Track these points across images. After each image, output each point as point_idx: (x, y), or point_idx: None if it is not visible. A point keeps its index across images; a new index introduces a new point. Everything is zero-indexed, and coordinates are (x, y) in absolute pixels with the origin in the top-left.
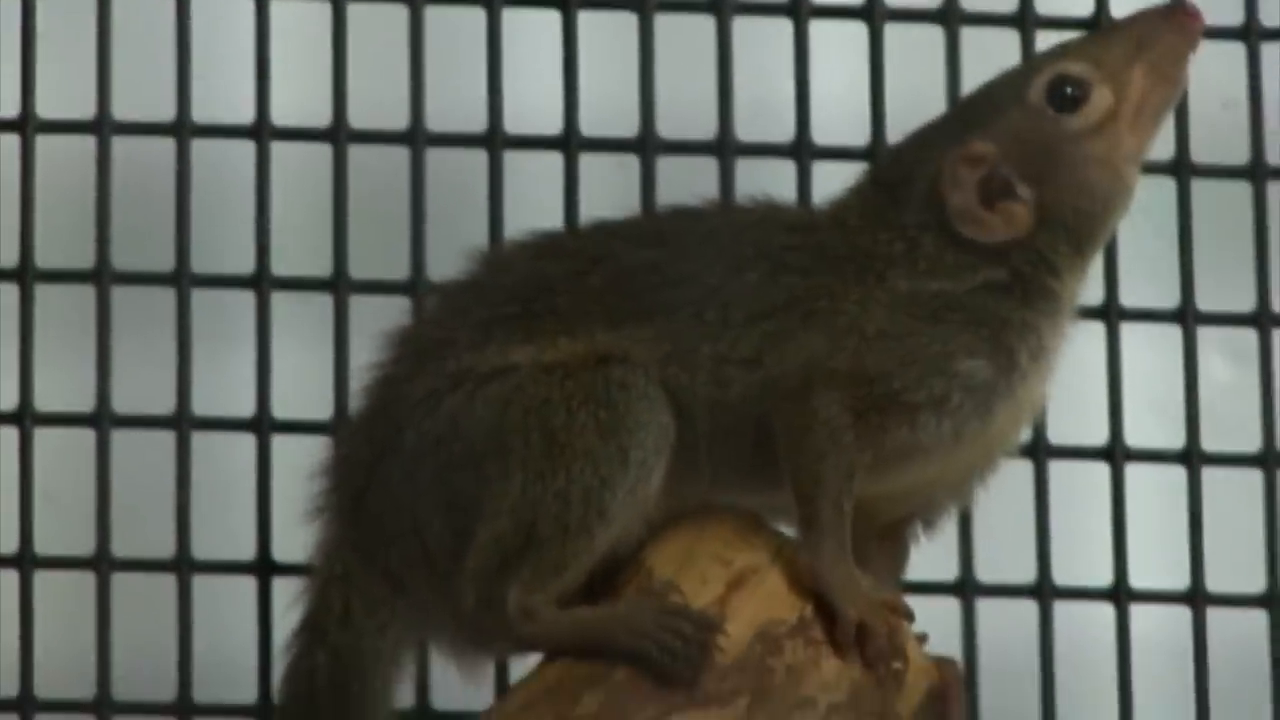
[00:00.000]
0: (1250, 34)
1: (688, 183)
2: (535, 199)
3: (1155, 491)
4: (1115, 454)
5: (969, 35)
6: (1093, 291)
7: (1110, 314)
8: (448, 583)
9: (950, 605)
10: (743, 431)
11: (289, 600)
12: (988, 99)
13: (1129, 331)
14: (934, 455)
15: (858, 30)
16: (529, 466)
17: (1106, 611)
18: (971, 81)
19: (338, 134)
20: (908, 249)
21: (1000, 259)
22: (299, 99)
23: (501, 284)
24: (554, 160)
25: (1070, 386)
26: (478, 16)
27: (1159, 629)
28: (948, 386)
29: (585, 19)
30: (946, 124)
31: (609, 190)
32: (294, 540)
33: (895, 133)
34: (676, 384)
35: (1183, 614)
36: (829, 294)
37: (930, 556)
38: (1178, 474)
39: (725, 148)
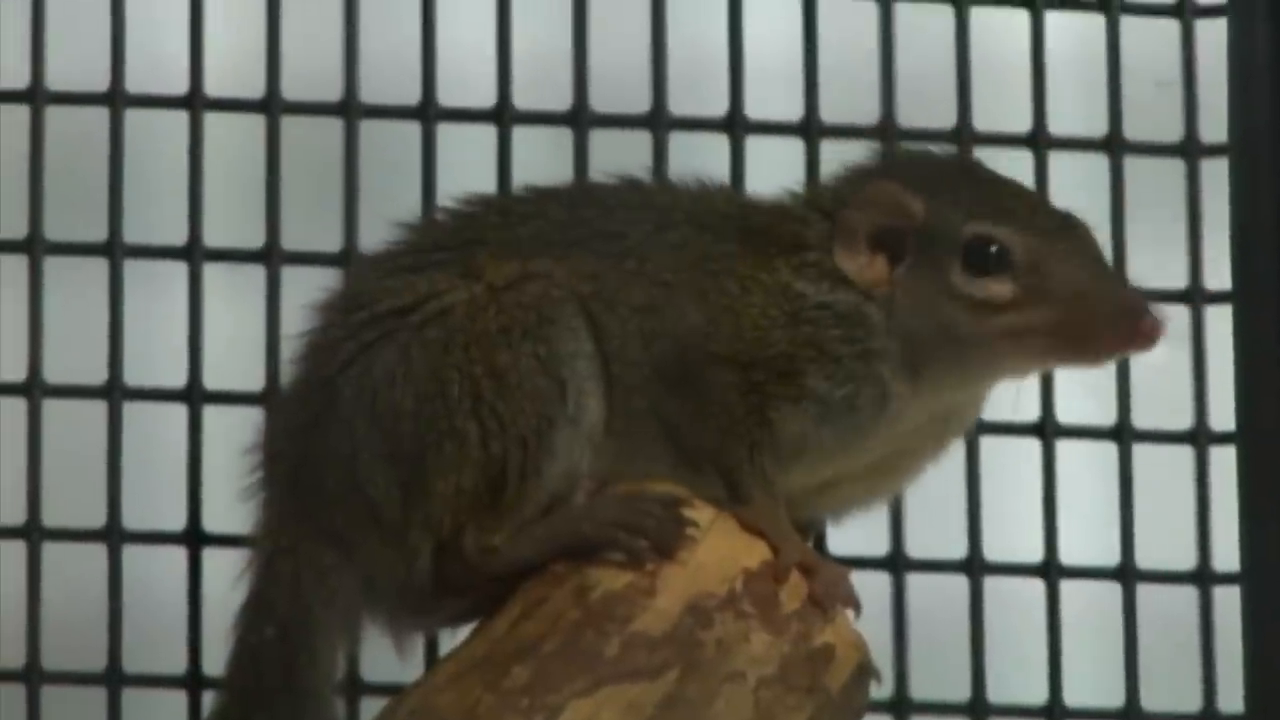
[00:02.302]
0: (1184, 12)
1: (621, 156)
2: (468, 171)
3: (1087, 468)
4: (1046, 430)
5: (904, 10)
6: None
7: None
8: (399, 537)
9: (881, 580)
10: (651, 397)
11: (229, 571)
12: (965, 181)
13: None
14: (825, 456)
15: (793, 4)
16: (479, 410)
17: (1037, 587)
18: (905, 55)
19: (271, 105)
20: (801, 243)
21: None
22: (233, 70)
23: (432, 236)
24: (487, 133)
25: None
26: None
27: (1089, 604)
28: (807, 390)
29: None
30: (919, 168)
31: (542, 163)
32: (225, 512)
33: (828, 108)
34: (599, 324)
35: (1113, 590)
36: (725, 260)
37: (862, 531)
38: (1109, 451)
39: (659, 121)
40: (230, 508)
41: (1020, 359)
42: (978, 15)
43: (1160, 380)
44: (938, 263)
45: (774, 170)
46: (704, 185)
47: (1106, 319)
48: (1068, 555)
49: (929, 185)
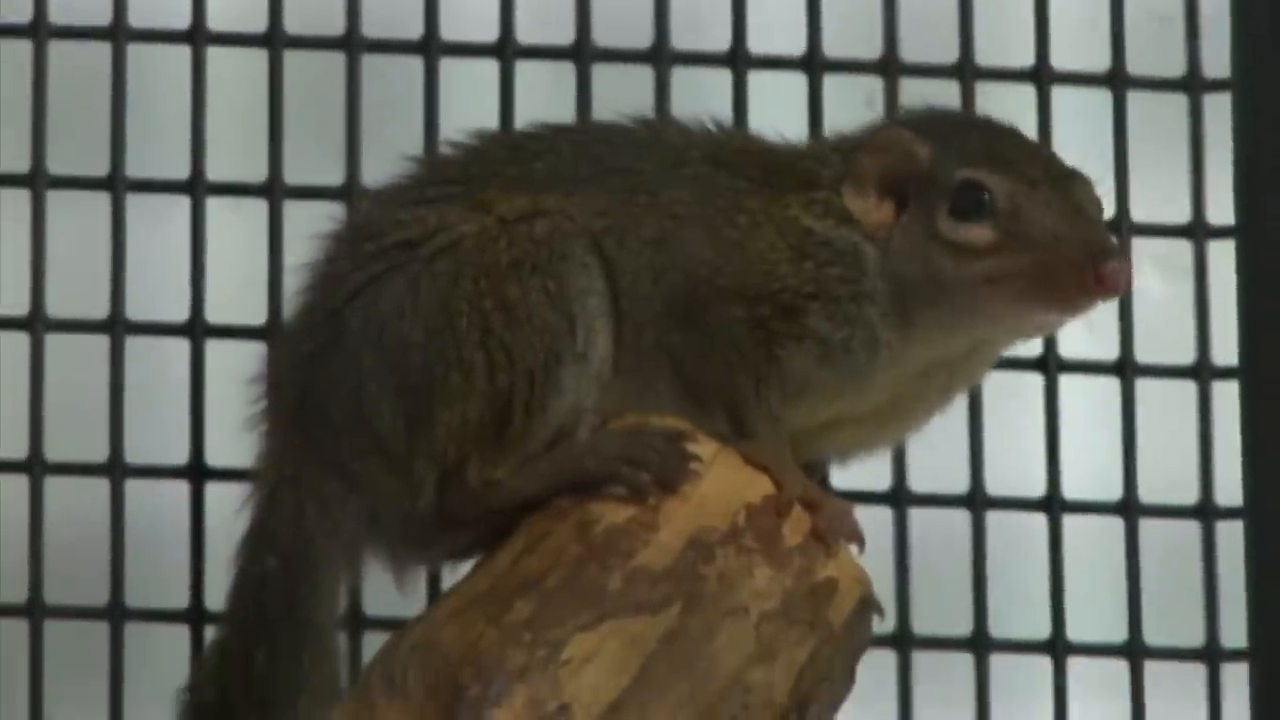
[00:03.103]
0: None
1: (623, 91)
2: (471, 106)
3: (1090, 403)
4: (1049, 365)
5: None
6: None
7: None
8: (404, 468)
9: (884, 515)
10: (659, 332)
11: (231, 506)
12: (972, 132)
13: None
14: (827, 397)
15: None
16: (488, 342)
17: (1039, 521)
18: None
19: (274, 39)
20: (814, 181)
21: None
22: (235, 5)
23: (441, 171)
24: (490, 67)
25: None
26: None
27: (1092, 539)
28: (809, 329)
29: None
30: (936, 121)
31: (544, 98)
32: (227, 447)
33: (831, 43)
34: (610, 260)
35: (1116, 524)
36: (737, 195)
37: (864, 466)
38: (1112, 386)
39: (661, 56)
40: (233, 442)
41: (999, 306)
42: None
43: (1163, 316)
44: (930, 208)
45: (776, 107)
46: (721, 127)
47: (1072, 263)
48: (1070, 490)
49: (938, 134)
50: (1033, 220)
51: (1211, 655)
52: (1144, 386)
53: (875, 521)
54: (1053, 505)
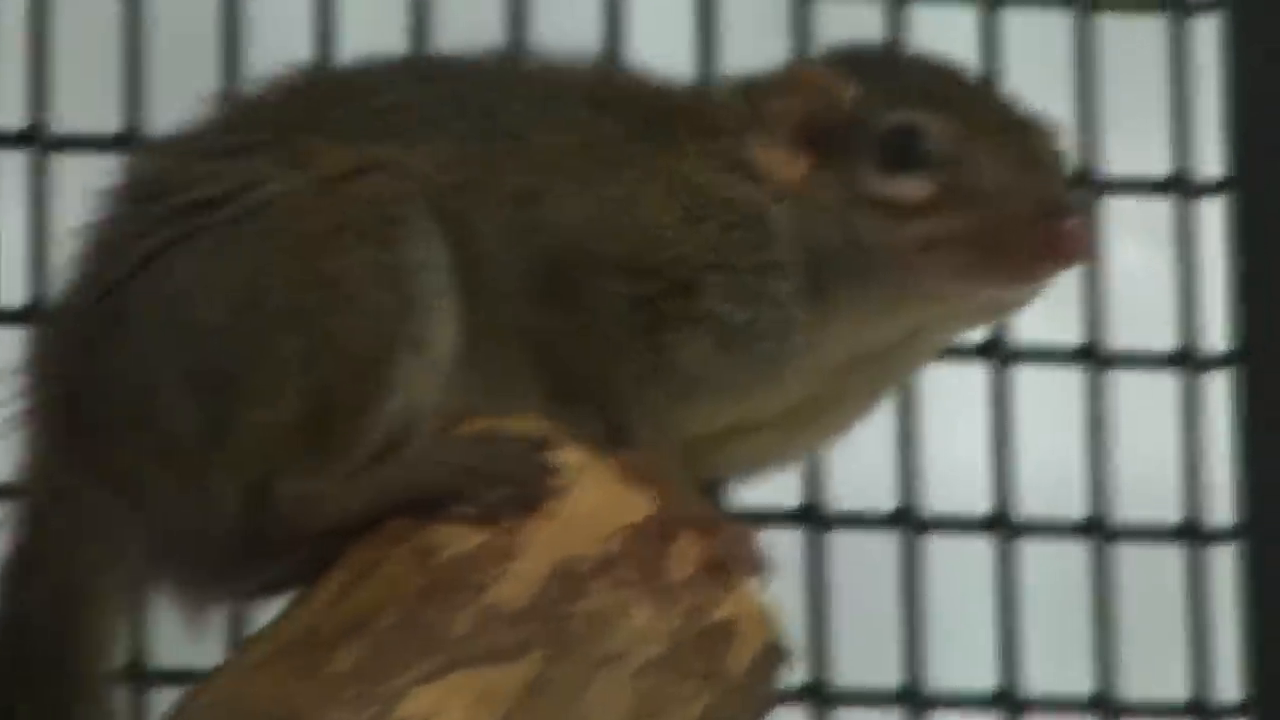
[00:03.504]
0: None
1: (473, 13)
2: (282, 36)
3: (1049, 399)
4: (999, 352)
5: None
6: None
7: None
8: (200, 481)
9: (796, 538)
10: (521, 312)
11: None
12: (907, 69)
13: None
14: (728, 395)
15: None
16: (302, 324)
17: (987, 546)
18: None
19: None
20: (715, 128)
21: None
22: None
23: (248, 116)
24: None
25: None
26: None
27: (1053, 567)
28: (705, 310)
29: None
30: (861, 57)
31: (372, 25)
32: None
33: None
34: (461, 223)
35: (1081, 549)
36: (623, 144)
37: (772, 479)
38: (1076, 377)
39: None
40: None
41: (937, 279)
42: None
43: (1140, 291)
44: (855, 160)
45: (664, 38)
46: (603, 64)
47: (1020, 221)
48: (1026, 507)
49: (865, 72)
50: (978, 172)
51: (1201, 711)
52: (1117, 378)
53: (785, 547)
54: (1003, 526)
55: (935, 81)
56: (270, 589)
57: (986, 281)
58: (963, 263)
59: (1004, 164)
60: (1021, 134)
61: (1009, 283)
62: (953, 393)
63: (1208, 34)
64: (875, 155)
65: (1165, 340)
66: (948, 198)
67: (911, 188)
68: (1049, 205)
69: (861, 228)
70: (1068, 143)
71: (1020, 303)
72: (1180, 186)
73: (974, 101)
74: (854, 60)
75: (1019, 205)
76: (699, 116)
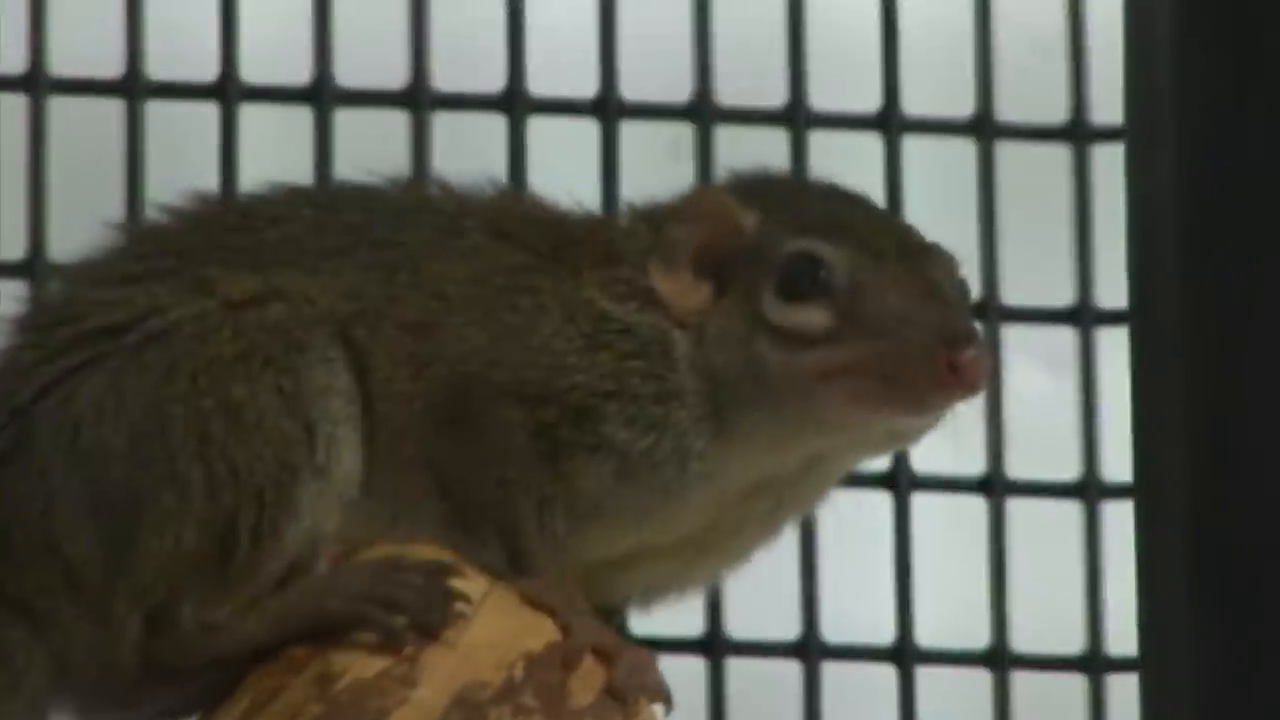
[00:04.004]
0: None
1: (372, 143)
2: (187, 160)
3: (950, 528)
4: (899, 480)
5: None
6: None
7: None
8: (102, 608)
9: (697, 666)
10: (421, 440)
11: None
12: (810, 198)
13: None
14: (627, 522)
15: None
16: (206, 451)
17: (889, 674)
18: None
19: None
20: (615, 256)
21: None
22: None
23: (152, 242)
24: (208, 112)
25: None
26: None
27: (955, 696)
28: (605, 437)
29: None
30: (764, 184)
31: (275, 150)
32: None
33: (630, 83)
34: (362, 352)
35: (983, 678)
36: (521, 273)
37: (673, 608)
38: (978, 506)
39: (420, 98)
40: None
41: (835, 409)
42: None
43: (1041, 420)
44: (755, 289)
45: (564, 162)
46: (504, 191)
47: (920, 351)
48: (927, 635)
49: (766, 199)
50: (877, 301)
51: None
52: (1018, 507)
53: (686, 675)
54: (905, 655)
55: (836, 210)
56: (172, 713)
57: (885, 410)
58: (861, 391)
59: (903, 293)
60: (921, 263)
61: (908, 412)
62: (854, 522)
63: (1110, 162)
64: (775, 283)
65: (1068, 470)
66: (847, 327)
67: (811, 317)
68: (948, 335)
69: (762, 356)
70: (967, 272)
71: (920, 431)
72: (1083, 315)
73: (874, 230)
74: (755, 187)
75: (918, 335)
76: (600, 244)
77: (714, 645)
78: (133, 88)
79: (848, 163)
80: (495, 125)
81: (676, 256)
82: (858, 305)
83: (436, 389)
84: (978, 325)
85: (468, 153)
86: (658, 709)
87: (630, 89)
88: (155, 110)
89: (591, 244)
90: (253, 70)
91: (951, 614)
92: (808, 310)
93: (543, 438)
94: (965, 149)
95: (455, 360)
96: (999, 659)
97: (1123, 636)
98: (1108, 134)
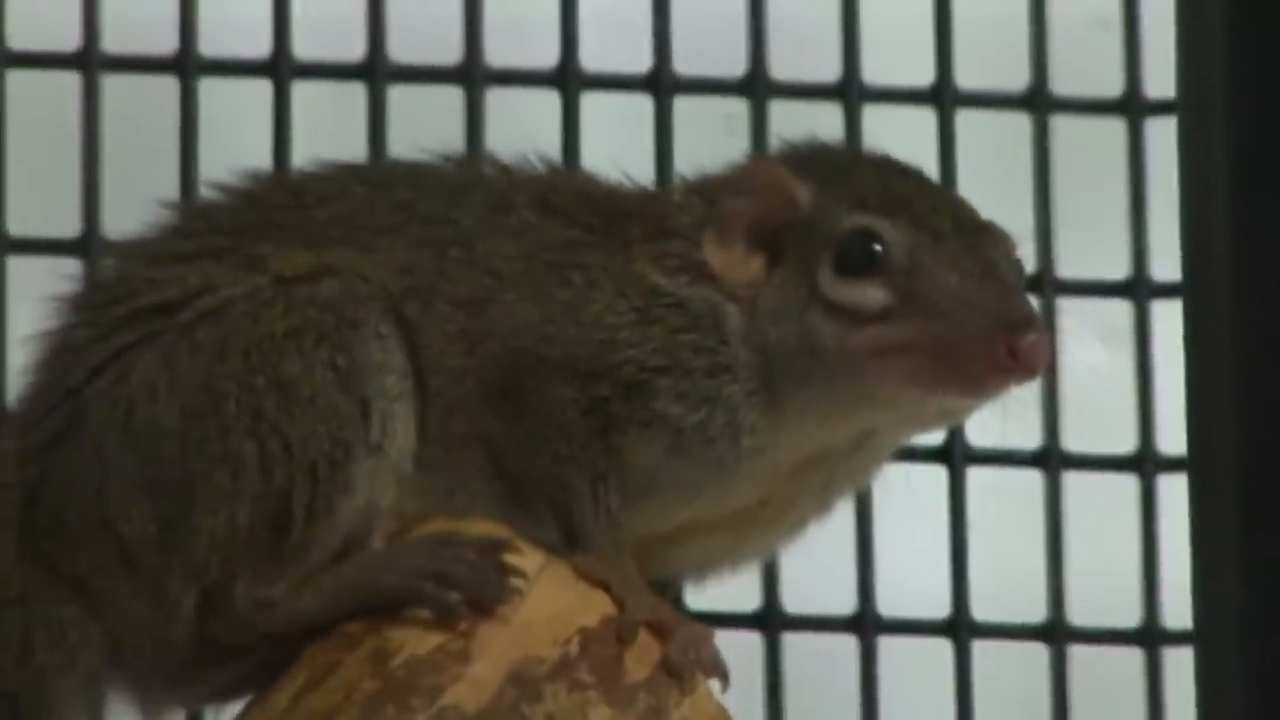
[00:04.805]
0: None
1: (427, 120)
2: (239, 137)
3: (1005, 503)
4: (954, 455)
5: None
6: None
7: None
8: (157, 587)
9: (753, 641)
10: (474, 417)
11: None
12: (865, 172)
13: None
14: (681, 496)
15: None
16: (259, 427)
17: (944, 648)
18: None
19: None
20: (667, 230)
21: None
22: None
23: (204, 221)
24: (261, 89)
25: None
26: None
27: (1010, 670)
28: (657, 413)
29: None
30: (819, 156)
31: (329, 126)
32: None
33: (683, 58)
34: (415, 328)
35: (1039, 652)
36: (573, 249)
37: (728, 583)
38: (1033, 481)
39: (474, 74)
40: None
41: (889, 386)
42: None
43: (1096, 394)
44: (811, 263)
45: (617, 137)
46: (556, 168)
47: (979, 334)
48: (982, 610)
49: (822, 172)
50: (935, 280)
51: None
52: (1074, 481)
53: (741, 650)
54: (960, 629)
55: (893, 186)
56: (226, 693)
57: (941, 391)
58: (917, 371)
59: (961, 274)
60: (978, 242)
61: (964, 394)
62: (910, 496)
63: (1164, 135)
64: (832, 259)
65: (1124, 443)
66: (904, 305)
67: (868, 294)
68: (1008, 319)
69: (817, 331)
70: (1023, 250)
71: (972, 409)
72: (1137, 288)
73: (932, 208)
74: (809, 159)
75: (977, 318)
76: (651, 218)
77: (770, 620)
78: (186, 65)
79: (901, 137)
80: (549, 101)
81: (731, 229)
82: (916, 284)
83: (488, 366)
84: (1035, 307)
85: (521, 129)
86: (714, 684)
87: (684, 64)
88: (208, 87)
89: (643, 218)
90: (305, 47)
91: (1007, 588)
92: (865, 287)
93: (595, 413)
94: (1019, 123)
95: (507, 336)
96: (1055, 633)
97: (1178, 610)
98: (1162, 107)
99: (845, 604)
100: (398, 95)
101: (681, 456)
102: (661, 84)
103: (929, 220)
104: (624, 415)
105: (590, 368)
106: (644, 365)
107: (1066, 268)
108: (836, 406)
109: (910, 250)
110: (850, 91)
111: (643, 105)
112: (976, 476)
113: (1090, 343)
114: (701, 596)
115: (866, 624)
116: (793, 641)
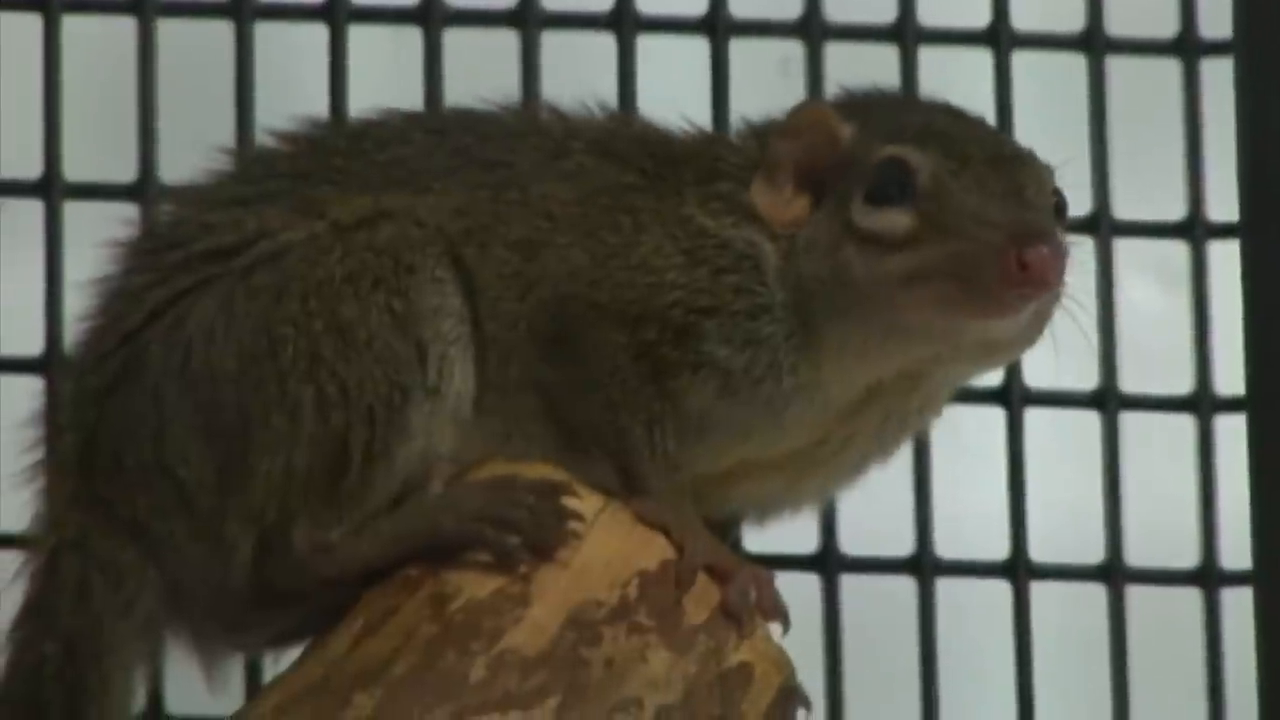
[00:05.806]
0: None
1: (482, 62)
2: (297, 81)
3: (1063, 443)
4: (1012, 396)
5: None
6: None
7: None
8: (214, 530)
9: (811, 583)
10: (529, 361)
11: (2, 576)
12: (907, 109)
13: None
14: (734, 437)
15: None
16: (317, 371)
17: (1003, 589)
18: None
19: (51, 3)
20: (716, 172)
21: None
22: None
23: (262, 165)
24: (317, 33)
25: None
26: None
27: (1068, 610)
28: (705, 355)
29: None
30: (866, 98)
31: (385, 71)
32: (7, 506)
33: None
34: (472, 272)
35: (1097, 592)
36: (625, 192)
37: (786, 525)
38: (1090, 421)
39: (529, 17)
40: (5, 499)
41: (918, 314)
42: None
43: (1153, 335)
44: (846, 196)
45: (672, 81)
46: (609, 112)
47: (990, 249)
48: (1040, 551)
49: (868, 112)
50: (955, 202)
51: None
52: (1130, 421)
53: (800, 592)
54: (1018, 570)
55: (929, 119)
56: (284, 638)
57: (963, 313)
58: (940, 295)
59: (983, 196)
60: (1005, 167)
61: (984, 313)
62: (967, 438)
63: (1220, 75)
64: (865, 190)
65: (1180, 384)
66: (928, 230)
67: (893, 220)
68: (1016, 232)
69: (848, 262)
70: (1055, 178)
71: (1015, 345)
72: (1194, 229)
73: (964, 138)
74: (860, 102)
75: (988, 234)
76: (704, 160)
77: (828, 562)
78: (241, 10)
79: (957, 79)
80: (605, 44)
81: (779, 170)
82: (939, 208)
83: (540, 312)
84: (1060, 231)
85: (577, 72)
86: (774, 628)
87: (739, 6)
88: (264, 32)
89: (696, 161)
90: None
91: (1064, 529)
92: (891, 214)
93: (646, 358)
94: (1075, 64)
95: (558, 281)
96: (1113, 574)
97: (1236, 550)
98: (1217, 47)
99: (903, 546)
100: (453, 39)
101: (731, 399)
102: (717, 27)
103: (959, 148)
104: (674, 359)
105: (639, 312)
106: (691, 307)
107: (1123, 209)
108: (872, 340)
109: (934, 175)
110: (906, 33)
111: (699, 48)
112: (1034, 417)
113: (1147, 284)
114: (760, 539)
115: (925, 566)
116: (851, 583)
